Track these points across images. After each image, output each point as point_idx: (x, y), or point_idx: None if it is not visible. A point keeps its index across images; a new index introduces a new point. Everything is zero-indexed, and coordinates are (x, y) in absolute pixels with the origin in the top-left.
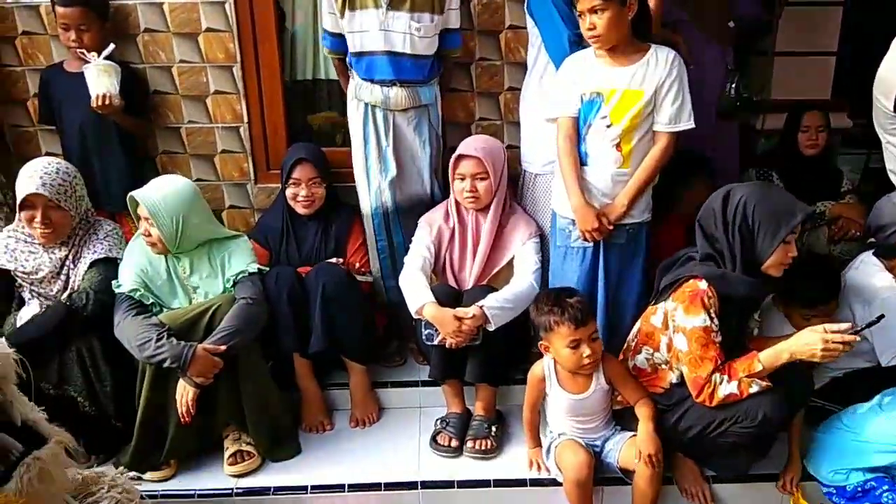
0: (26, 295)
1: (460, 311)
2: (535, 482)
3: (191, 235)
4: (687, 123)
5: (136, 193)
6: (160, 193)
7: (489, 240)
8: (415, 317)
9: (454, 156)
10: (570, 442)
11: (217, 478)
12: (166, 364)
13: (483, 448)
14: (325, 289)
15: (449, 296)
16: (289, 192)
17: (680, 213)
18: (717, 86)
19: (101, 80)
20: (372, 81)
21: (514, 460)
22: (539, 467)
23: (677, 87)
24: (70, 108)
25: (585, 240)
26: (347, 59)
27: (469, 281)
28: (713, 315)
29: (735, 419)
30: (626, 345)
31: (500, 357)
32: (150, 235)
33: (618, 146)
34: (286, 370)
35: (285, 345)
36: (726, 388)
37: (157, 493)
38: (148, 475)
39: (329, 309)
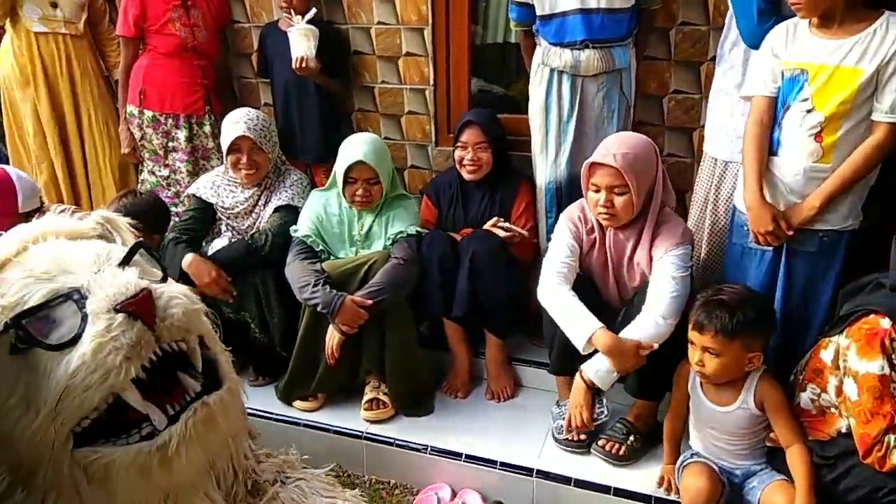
0: (222, 227)
1: (645, 341)
2: (662, 501)
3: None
4: None
5: (364, 158)
6: (374, 151)
7: (642, 263)
8: (582, 351)
9: (587, 162)
10: (698, 465)
11: (354, 419)
12: (318, 308)
13: (612, 452)
14: (474, 255)
15: (595, 305)
16: (456, 154)
17: None
18: None
19: (300, 43)
20: (562, 45)
21: (647, 473)
22: (669, 487)
23: None
24: (279, 64)
25: (758, 242)
26: (534, 28)
27: (614, 298)
28: None
29: None
30: (792, 376)
31: (659, 371)
32: (369, 195)
33: (817, 136)
34: (439, 332)
35: (433, 308)
36: None
37: (300, 420)
38: (297, 404)
39: (475, 276)
